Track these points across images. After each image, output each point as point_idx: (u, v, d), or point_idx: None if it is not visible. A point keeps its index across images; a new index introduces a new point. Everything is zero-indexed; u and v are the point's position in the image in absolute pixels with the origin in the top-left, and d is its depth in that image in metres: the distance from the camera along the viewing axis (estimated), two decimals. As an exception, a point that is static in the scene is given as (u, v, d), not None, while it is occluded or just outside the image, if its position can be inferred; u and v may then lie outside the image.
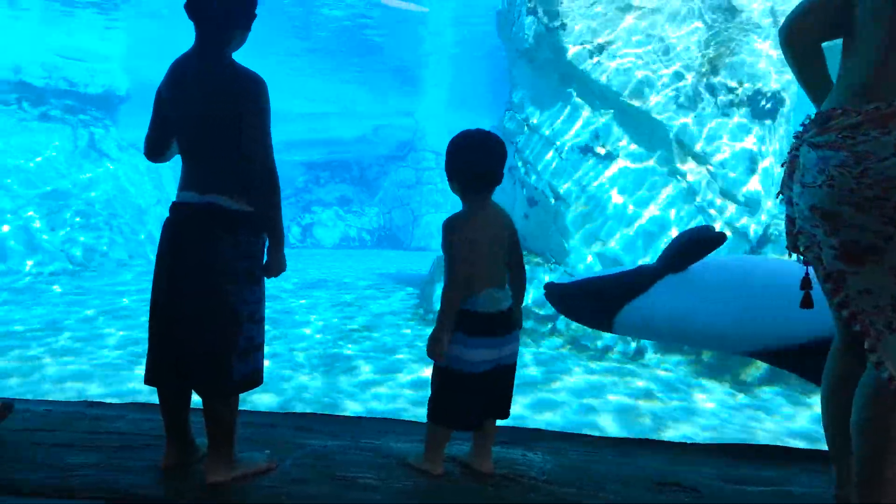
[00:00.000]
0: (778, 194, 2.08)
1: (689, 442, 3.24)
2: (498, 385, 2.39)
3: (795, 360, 3.08)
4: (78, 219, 13.97)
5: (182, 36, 2.39)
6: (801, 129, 1.93)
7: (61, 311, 10.03)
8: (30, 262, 12.26)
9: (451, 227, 2.31)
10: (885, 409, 1.79)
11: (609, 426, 6.34)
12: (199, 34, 2.34)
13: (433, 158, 24.75)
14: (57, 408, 3.09)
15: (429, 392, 2.44)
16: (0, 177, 13.95)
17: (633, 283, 3.19)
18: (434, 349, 2.29)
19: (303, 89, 23.64)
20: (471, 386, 2.31)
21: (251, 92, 2.28)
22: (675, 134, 9.19)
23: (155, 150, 2.49)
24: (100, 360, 7.69)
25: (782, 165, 2.03)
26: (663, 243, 9.01)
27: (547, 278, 9.25)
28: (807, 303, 2.03)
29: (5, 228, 12.28)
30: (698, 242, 3.11)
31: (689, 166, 9.18)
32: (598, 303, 3.32)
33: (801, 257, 1.99)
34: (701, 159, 9.25)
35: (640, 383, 7.57)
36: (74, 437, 2.68)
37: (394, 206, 23.97)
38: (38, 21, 17.41)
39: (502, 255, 2.38)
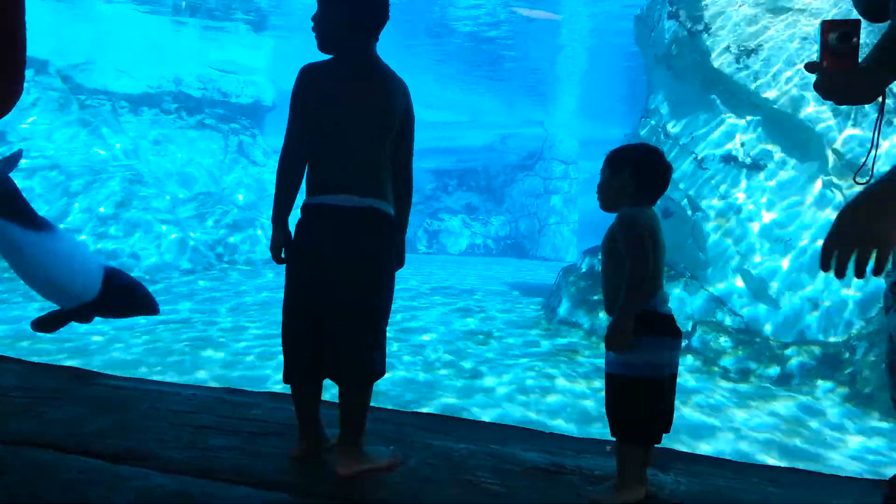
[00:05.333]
0: None
1: (839, 475, 2.92)
2: (672, 393, 2.26)
3: None
4: (225, 219, 14.99)
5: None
6: None
7: (207, 304, 10.77)
8: (181, 259, 13.24)
9: (637, 220, 2.21)
10: None
11: (746, 453, 5.90)
12: (339, 44, 2.39)
13: (561, 168, 24.42)
14: (202, 392, 3.27)
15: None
16: (161, 179, 15.28)
17: None
18: (620, 340, 2.13)
19: (433, 98, 24.08)
20: (659, 392, 2.18)
21: (408, 98, 2.48)
22: (833, 143, 8.47)
23: (295, 157, 2.45)
24: (239, 349, 8.17)
25: None
26: (814, 261, 8.32)
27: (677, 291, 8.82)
28: None
29: (163, 227, 13.34)
30: None
31: (848, 179, 8.41)
32: None
33: None
34: (862, 172, 8.44)
35: (784, 410, 7.01)
36: (216, 421, 2.82)
37: (520, 215, 23.87)
38: (196, 37, 18.98)
39: (665, 257, 2.31)
